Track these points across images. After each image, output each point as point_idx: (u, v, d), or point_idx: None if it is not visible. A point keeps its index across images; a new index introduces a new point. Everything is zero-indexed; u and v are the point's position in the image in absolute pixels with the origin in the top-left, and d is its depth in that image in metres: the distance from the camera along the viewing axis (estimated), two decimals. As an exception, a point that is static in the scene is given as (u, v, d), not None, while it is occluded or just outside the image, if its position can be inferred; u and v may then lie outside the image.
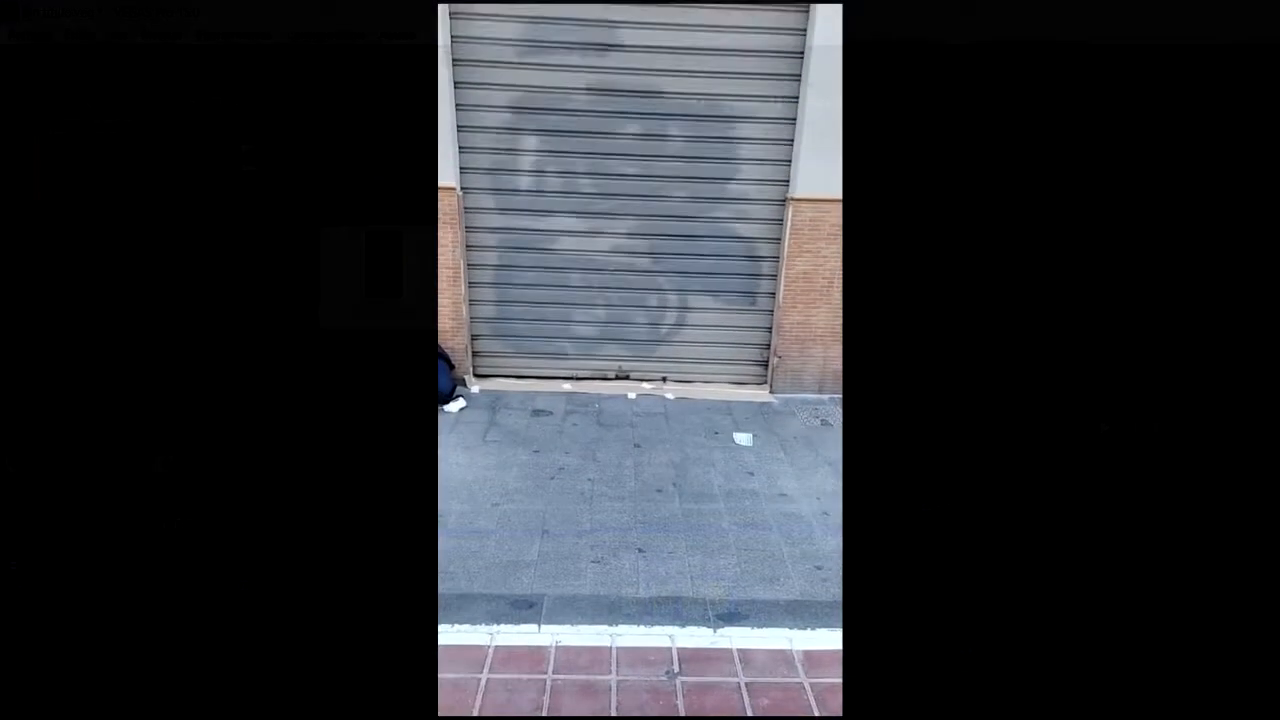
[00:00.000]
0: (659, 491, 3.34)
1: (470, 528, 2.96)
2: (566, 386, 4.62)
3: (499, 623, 2.40)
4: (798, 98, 4.08)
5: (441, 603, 2.47)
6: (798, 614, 2.51)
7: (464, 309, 4.41)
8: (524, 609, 2.48)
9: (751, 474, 3.56)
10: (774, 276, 4.48)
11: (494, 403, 4.32)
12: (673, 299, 4.57)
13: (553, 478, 3.43)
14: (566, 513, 3.11)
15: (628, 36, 3.96)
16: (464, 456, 3.60)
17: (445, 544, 2.84)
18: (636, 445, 3.82)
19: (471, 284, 4.45)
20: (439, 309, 4.34)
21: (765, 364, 4.71)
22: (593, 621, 2.42)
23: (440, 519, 3.01)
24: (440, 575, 2.63)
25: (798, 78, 4.05)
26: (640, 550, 2.86)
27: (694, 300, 4.56)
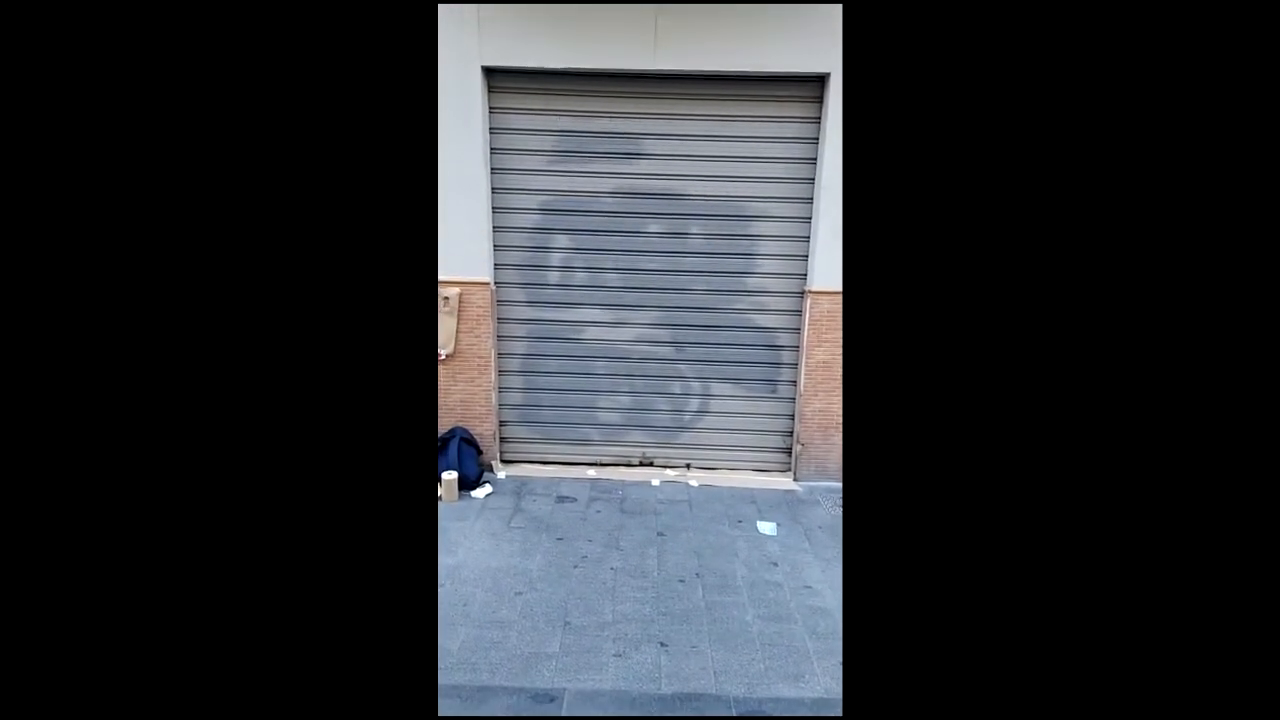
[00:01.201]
0: (681, 582, 3.33)
1: (493, 617, 2.98)
2: (591, 473, 4.68)
3: (520, 716, 2.38)
4: (812, 198, 4.32)
5: (463, 694, 2.47)
6: (823, 712, 2.45)
7: (493, 396, 4.56)
8: (545, 703, 2.46)
9: (775, 564, 3.53)
10: (795, 365, 4.59)
11: (520, 489, 4.39)
12: (695, 387, 4.68)
13: (576, 566, 3.44)
14: (589, 603, 3.11)
15: (651, 146, 4.29)
16: (489, 543, 3.65)
17: (468, 633, 2.86)
18: (660, 533, 3.83)
19: (501, 372, 4.63)
20: (470, 397, 4.51)
21: (789, 451, 4.73)
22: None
23: (464, 607, 3.03)
24: (462, 666, 2.64)
25: (812, 180, 4.30)
26: (662, 644, 2.83)
27: (716, 389, 4.67)
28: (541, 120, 4.26)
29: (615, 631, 2.90)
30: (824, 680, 2.64)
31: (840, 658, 2.77)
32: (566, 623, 2.96)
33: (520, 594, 3.17)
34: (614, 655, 2.74)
